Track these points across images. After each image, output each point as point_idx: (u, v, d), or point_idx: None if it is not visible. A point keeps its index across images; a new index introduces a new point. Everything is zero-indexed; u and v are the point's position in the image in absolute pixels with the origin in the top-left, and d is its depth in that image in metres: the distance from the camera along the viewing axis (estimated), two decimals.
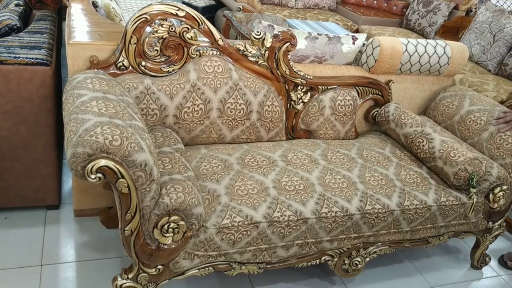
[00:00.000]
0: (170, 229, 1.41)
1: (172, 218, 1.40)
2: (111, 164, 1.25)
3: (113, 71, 1.74)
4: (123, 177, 1.27)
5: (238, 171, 1.69)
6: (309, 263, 1.72)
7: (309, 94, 2.09)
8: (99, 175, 1.25)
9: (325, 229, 1.63)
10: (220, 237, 1.48)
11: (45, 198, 2.03)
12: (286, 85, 2.04)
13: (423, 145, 1.99)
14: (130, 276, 1.47)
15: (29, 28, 2.08)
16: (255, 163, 1.76)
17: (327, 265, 1.78)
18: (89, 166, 1.23)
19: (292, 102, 2.07)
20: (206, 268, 1.55)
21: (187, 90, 1.79)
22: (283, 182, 1.67)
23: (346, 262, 1.79)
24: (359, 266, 1.82)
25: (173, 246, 1.44)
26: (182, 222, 1.41)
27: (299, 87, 2.06)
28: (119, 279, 1.48)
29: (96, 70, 1.69)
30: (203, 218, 1.46)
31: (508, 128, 1.63)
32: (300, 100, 2.09)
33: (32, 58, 1.75)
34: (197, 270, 1.55)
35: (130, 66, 1.75)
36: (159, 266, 1.47)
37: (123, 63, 1.74)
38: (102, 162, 1.24)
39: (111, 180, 1.28)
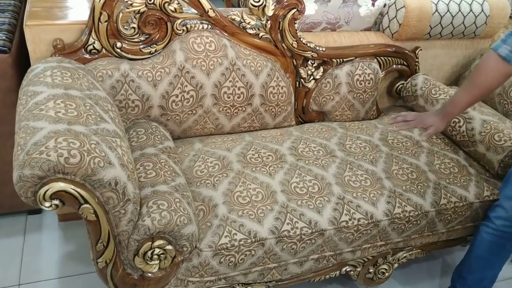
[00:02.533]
0: (155, 256, 1.15)
1: (157, 243, 1.13)
2: (69, 188, 0.97)
3: (82, 56, 1.43)
4: (86, 202, 1.00)
5: (239, 171, 1.41)
6: (327, 276, 1.46)
7: (321, 69, 1.77)
8: (55, 202, 0.98)
9: (346, 240, 1.35)
10: (217, 260, 1.22)
11: (23, 203, 1.76)
12: (294, 60, 1.71)
13: (459, 126, 1.67)
14: None
15: None
16: (259, 159, 1.47)
17: (349, 276, 1.52)
18: (41, 191, 0.96)
19: (302, 80, 1.75)
20: None
21: (173, 74, 1.49)
22: (293, 183, 1.38)
23: (371, 271, 1.53)
24: (386, 274, 1.55)
25: (160, 275, 1.18)
26: (169, 247, 1.15)
27: (309, 62, 1.74)
28: None
29: (60, 57, 1.39)
30: (196, 237, 1.20)
31: (406, 127, 1.44)
32: (311, 77, 1.76)
33: None
34: None
35: (103, 49, 1.45)
36: None
37: (94, 46, 1.43)
38: (58, 185, 0.96)
39: (73, 206, 1.01)
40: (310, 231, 1.28)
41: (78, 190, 0.98)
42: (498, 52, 1.25)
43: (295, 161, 1.48)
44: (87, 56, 1.44)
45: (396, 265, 1.55)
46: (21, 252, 1.68)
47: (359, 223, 1.33)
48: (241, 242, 1.22)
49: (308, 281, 1.44)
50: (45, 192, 0.96)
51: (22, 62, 1.55)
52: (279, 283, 1.39)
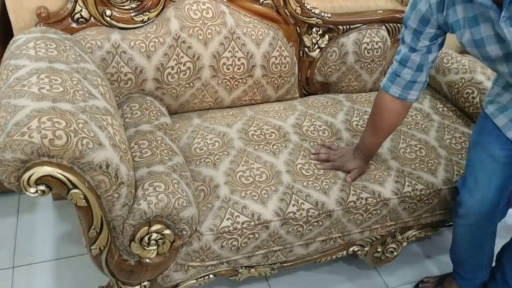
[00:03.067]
0: (153, 241, 1.08)
1: (154, 227, 1.06)
2: (56, 172, 0.89)
3: (69, 25, 1.32)
4: (76, 187, 0.92)
5: (241, 149, 1.32)
6: (333, 256, 1.40)
7: (326, 37, 1.65)
8: (41, 187, 0.90)
9: (355, 222, 1.28)
10: (219, 244, 1.15)
11: None
12: (298, 28, 1.60)
13: (473, 97, 1.58)
14: None
15: None
16: (262, 137, 1.39)
17: (356, 255, 1.46)
18: (25, 176, 0.87)
19: (306, 49, 1.64)
20: (205, 277, 1.24)
21: (168, 44, 1.38)
22: (298, 164, 1.30)
23: (378, 250, 1.46)
24: (395, 253, 1.49)
25: (159, 260, 1.12)
26: (167, 231, 1.08)
27: (314, 29, 1.62)
28: None
29: (45, 27, 1.28)
30: (195, 220, 1.12)
31: (330, 168, 1.29)
32: (316, 46, 1.66)
33: None
34: (195, 281, 1.24)
35: (92, 18, 1.33)
36: (145, 283, 1.17)
37: (81, 14, 1.32)
38: (43, 170, 0.88)
39: (61, 192, 0.93)
40: (317, 212, 1.21)
41: (66, 174, 0.90)
42: (390, 93, 1.19)
43: (299, 141, 1.39)
44: (74, 25, 1.33)
45: (405, 244, 1.49)
46: (14, 233, 1.61)
47: (367, 202, 1.26)
48: (244, 225, 1.15)
49: (314, 262, 1.38)
50: (29, 177, 0.87)
51: (6, 33, 1.44)
52: (284, 264, 1.33)
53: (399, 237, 1.45)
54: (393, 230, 1.41)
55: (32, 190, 0.89)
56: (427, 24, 1.08)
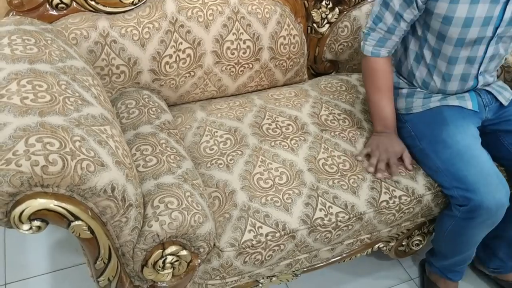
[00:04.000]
0: (168, 264, 0.95)
1: (169, 250, 0.92)
2: (52, 204, 0.74)
3: (47, 13, 1.13)
4: (77, 218, 0.77)
5: (256, 147, 1.18)
6: (357, 255, 1.30)
7: (336, 10, 1.49)
8: (36, 223, 0.75)
9: (386, 222, 1.16)
10: (242, 260, 1.02)
11: None
12: (306, 2, 1.43)
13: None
14: None
15: None
16: (278, 131, 1.24)
17: (380, 250, 1.36)
18: (16, 212, 0.72)
19: (314, 25, 1.48)
20: None
21: (164, 30, 1.20)
22: (320, 160, 1.17)
23: (403, 243, 1.37)
24: (420, 245, 1.39)
25: (175, 283, 0.99)
26: (184, 252, 0.94)
27: (323, 2, 1.46)
28: None
29: (19, 16, 1.09)
30: (213, 235, 0.99)
31: (382, 176, 1.15)
32: (325, 21, 1.49)
33: None
34: None
35: (73, 2, 1.15)
36: None
37: None
38: (36, 203, 0.73)
39: (60, 225, 0.78)
40: (347, 216, 1.08)
41: (64, 205, 0.75)
42: (382, 56, 1.21)
43: (319, 132, 1.25)
44: (53, 12, 1.14)
45: (429, 235, 1.40)
46: (3, 246, 1.46)
47: (401, 201, 1.14)
48: (268, 237, 1.02)
49: (337, 263, 1.27)
50: (21, 213, 0.72)
51: None
52: (307, 269, 1.22)
53: (425, 229, 1.35)
54: (421, 223, 1.31)
55: (26, 227, 0.75)
56: (411, 5, 1.09)
